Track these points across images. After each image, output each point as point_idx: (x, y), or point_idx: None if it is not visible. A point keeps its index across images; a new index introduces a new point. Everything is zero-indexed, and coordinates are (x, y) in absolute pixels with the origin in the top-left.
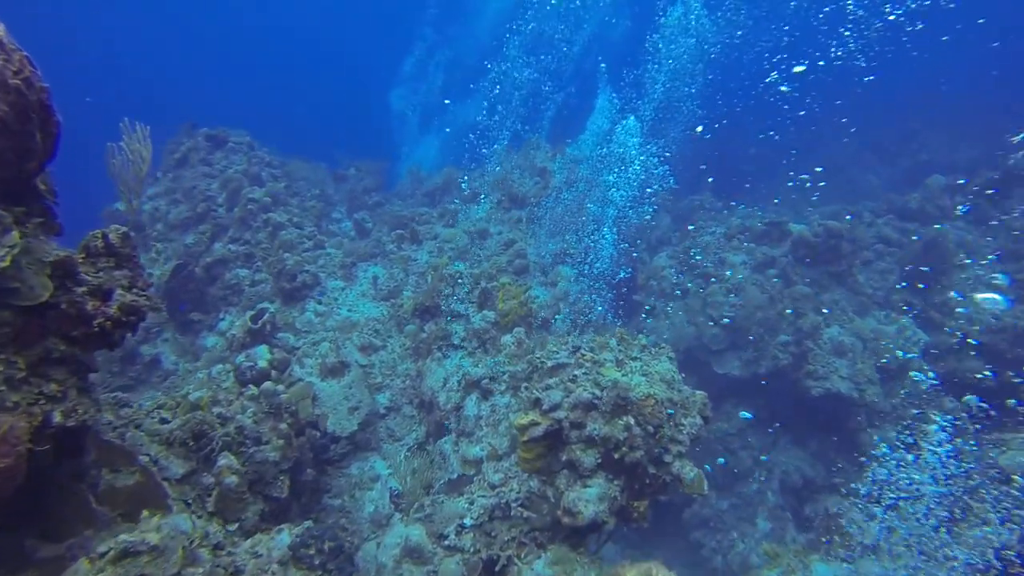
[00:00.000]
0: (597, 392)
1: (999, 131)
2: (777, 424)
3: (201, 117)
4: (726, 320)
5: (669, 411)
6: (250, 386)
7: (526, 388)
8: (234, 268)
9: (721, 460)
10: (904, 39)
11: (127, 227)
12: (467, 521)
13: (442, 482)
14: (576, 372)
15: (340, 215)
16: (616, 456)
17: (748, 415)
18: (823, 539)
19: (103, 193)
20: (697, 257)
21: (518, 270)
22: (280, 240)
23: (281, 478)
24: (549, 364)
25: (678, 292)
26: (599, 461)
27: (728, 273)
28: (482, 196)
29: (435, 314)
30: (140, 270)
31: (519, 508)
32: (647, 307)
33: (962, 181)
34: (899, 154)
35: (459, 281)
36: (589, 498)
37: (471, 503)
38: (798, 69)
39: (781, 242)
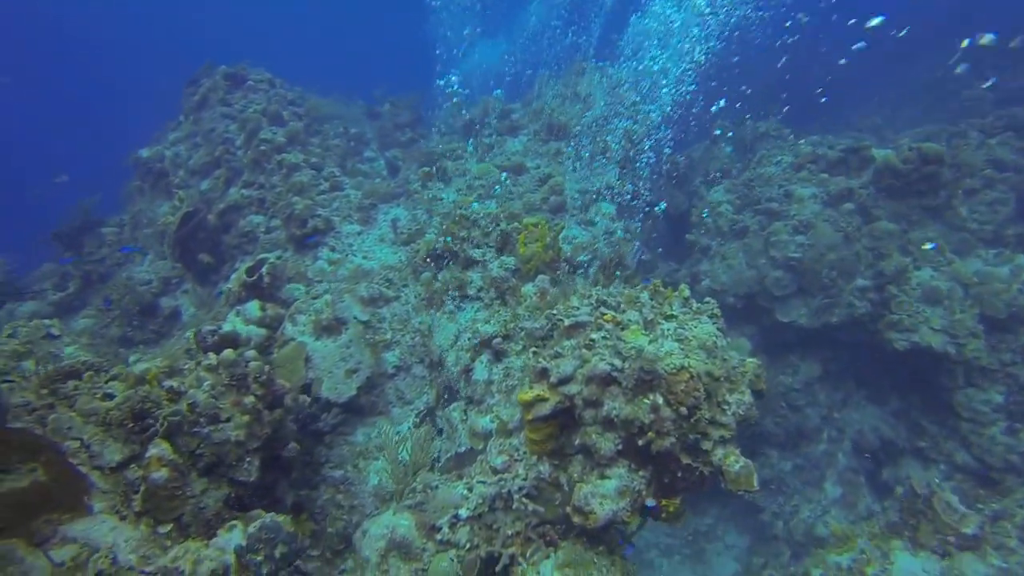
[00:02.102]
0: (617, 363)
1: None
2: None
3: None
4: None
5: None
6: (209, 354)
7: (534, 353)
8: (248, 214)
9: None
10: None
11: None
12: (463, 512)
13: (449, 455)
14: (594, 336)
15: (374, 154)
16: (640, 443)
17: None
18: (909, 521)
19: (138, 137)
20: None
21: (554, 208)
22: (291, 183)
23: (248, 459)
24: (567, 323)
25: (737, 230)
26: (620, 447)
27: (795, 207)
28: (521, 128)
29: (451, 260)
30: None
31: (524, 499)
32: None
33: None
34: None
35: (476, 222)
36: (606, 493)
37: (470, 489)
38: None
39: (862, 171)
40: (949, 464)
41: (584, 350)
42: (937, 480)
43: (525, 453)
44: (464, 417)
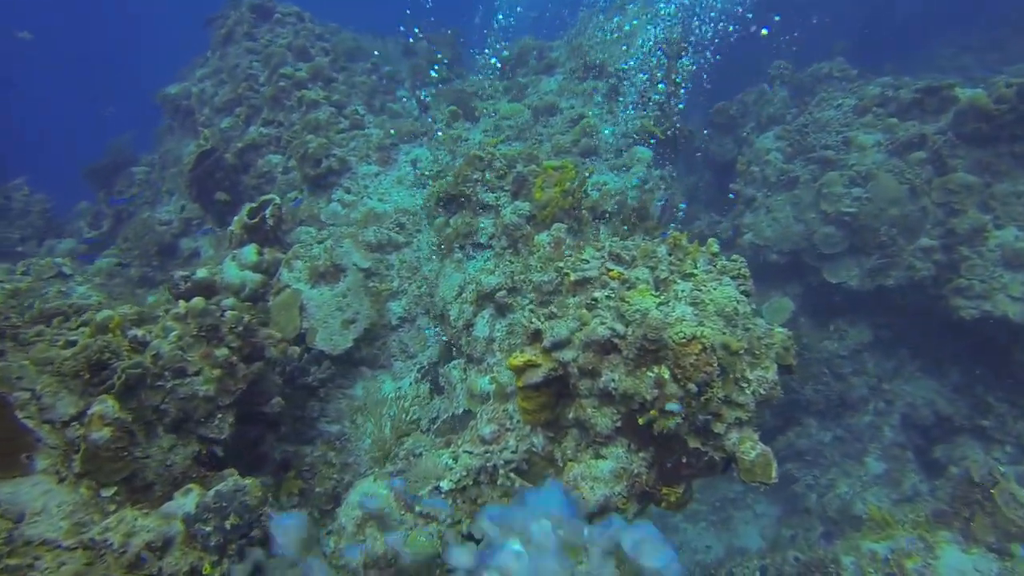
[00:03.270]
0: (619, 328)
1: None
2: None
3: None
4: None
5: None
6: (179, 302)
7: (531, 312)
8: (266, 154)
9: None
10: None
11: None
12: (444, 484)
13: (446, 416)
14: (597, 295)
15: (407, 93)
16: (641, 422)
17: None
18: (961, 512)
19: (162, 76)
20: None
21: (584, 151)
22: (305, 120)
23: (219, 415)
24: (573, 278)
25: (786, 181)
26: (618, 425)
27: (853, 156)
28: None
29: (463, 205)
30: None
31: (511, 474)
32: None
33: None
34: None
35: (490, 163)
36: (599, 475)
37: (455, 459)
38: None
39: (940, 114)
40: (1017, 447)
41: (584, 311)
42: (1001, 466)
43: (519, 422)
44: (464, 376)
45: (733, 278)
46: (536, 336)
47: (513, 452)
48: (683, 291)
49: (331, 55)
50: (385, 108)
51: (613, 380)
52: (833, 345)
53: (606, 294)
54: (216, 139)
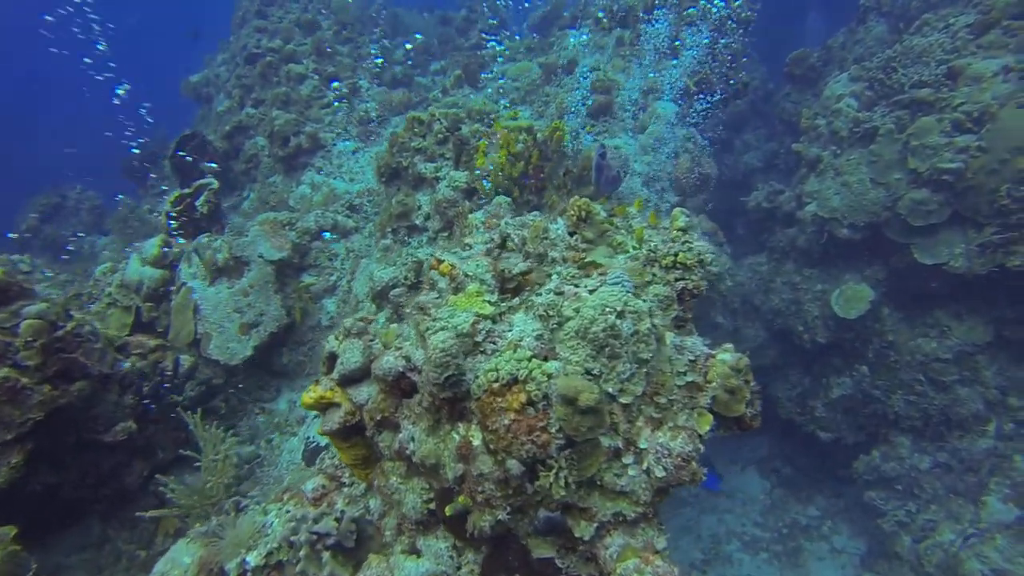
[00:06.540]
0: (417, 357)
1: None
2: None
3: None
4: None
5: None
6: None
7: (346, 326)
8: (254, 136)
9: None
10: None
11: None
12: (251, 559)
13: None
14: (423, 297)
15: (439, 65)
16: (448, 512)
17: None
18: None
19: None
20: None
21: (595, 109)
22: (274, 94)
23: None
24: (431, 274)
25: (862, 134)
26: (432, 507)
27: (962, 92)
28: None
29: (402, 179)
30: None
31: (324, 550)
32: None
33: None
34: None
35: (430, 126)
36: None
37: (280, 519)
38: None
39: None
40: None
41: (393, 326)
42: None
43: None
44: None
45: (668, 269)
46: (332, 361)
47: (336, 519)
48: (540, 299)
49: (336, 27)
50: (414, 82)
51: (413, 439)
52: (931, 345)
53: (432, 298)
54: (214, 123)
